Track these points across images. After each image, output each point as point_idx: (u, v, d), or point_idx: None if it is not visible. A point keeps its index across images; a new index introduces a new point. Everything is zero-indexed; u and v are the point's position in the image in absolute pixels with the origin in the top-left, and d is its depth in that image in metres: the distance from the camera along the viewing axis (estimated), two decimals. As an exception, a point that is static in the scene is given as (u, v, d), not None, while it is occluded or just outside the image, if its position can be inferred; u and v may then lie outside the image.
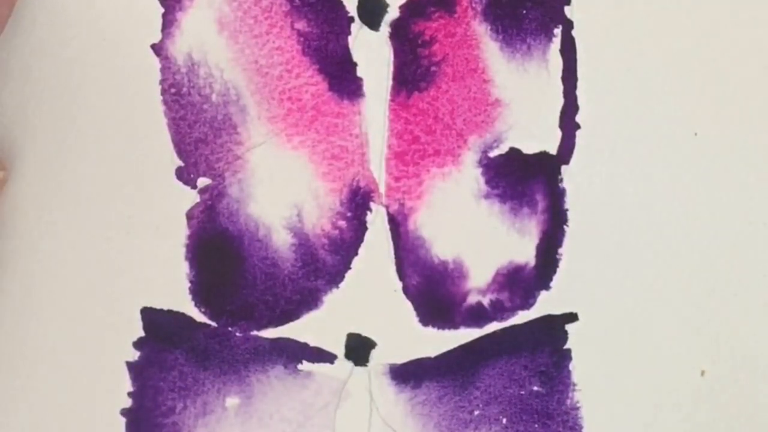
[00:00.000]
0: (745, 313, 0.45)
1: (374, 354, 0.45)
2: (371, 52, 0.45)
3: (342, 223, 0.45)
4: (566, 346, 0.45)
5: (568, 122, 0.44)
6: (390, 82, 0.45)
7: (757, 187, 0.44)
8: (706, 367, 0.45)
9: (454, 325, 0.45)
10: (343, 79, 0.45)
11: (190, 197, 0.45)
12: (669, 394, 0.45)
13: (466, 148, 0.45)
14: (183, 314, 0.46)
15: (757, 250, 0.45)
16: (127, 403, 0.46)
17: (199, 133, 0.45)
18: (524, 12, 0.44)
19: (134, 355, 0.46)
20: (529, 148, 0.44)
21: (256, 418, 0.46)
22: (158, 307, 0.46)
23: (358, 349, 0.45)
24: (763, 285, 0.45)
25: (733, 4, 0.44)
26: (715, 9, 0.44)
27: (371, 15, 0.44)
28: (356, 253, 0.45)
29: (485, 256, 0.45)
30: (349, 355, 0.45)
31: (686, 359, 0.45)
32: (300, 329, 0.46)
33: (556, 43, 0.44)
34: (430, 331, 0.45)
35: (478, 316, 0.45)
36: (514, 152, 0.45)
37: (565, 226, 0.45)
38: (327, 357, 0.46)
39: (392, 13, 0.44)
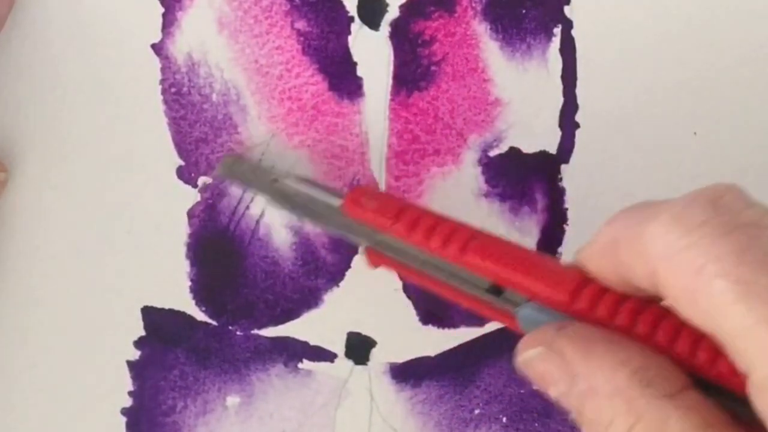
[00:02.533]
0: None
1: (374, 353, 0.46)
2: (371, 51, 0.45)
3: None
4: None
5: (568, 121, 0.44)
6: (390, 82, 0.45)
7: (757, 187, 0.43)
8: None
9: (454, 323, 0.45)
10: (343, 78, 0.45)
11: (191, 196, 0.45)
12: None
13: (465, 147, 0.45)
14: (183, 313, 0.46)
15: None
16: (128, 402, 0.47)
17: (199, 133, 0.45)
18: (524, 11, 0.44)
19: (135, 354, 0.46)
20: (528, 147, 0.44)
21: (257, 417, 0.46)
22: (159, 306, 0.46)
23: (359, 347, 0.46)
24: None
25: (733, 3, 0.44)
26: (715, 8, 0.44)
27: (371, 14, 0.45)
28: (356, 252, 0.45)
29: None
30: (349, 354, 0.46)
31: None
32: (300, 328, 0.46)
33: (556, 42, 0.44)
34: (431, 329, 0.45)
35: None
36: (513, 151, 0.45)
37: (564, 226, 0.45)
38: (327, 356, 0.46)
39: (392, 12, 0.44)
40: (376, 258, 0.41)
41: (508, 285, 0.37)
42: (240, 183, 0.45)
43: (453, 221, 0.39)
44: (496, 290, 0.38)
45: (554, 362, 0.33)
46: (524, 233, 0.45)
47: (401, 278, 0.42)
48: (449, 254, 0.38)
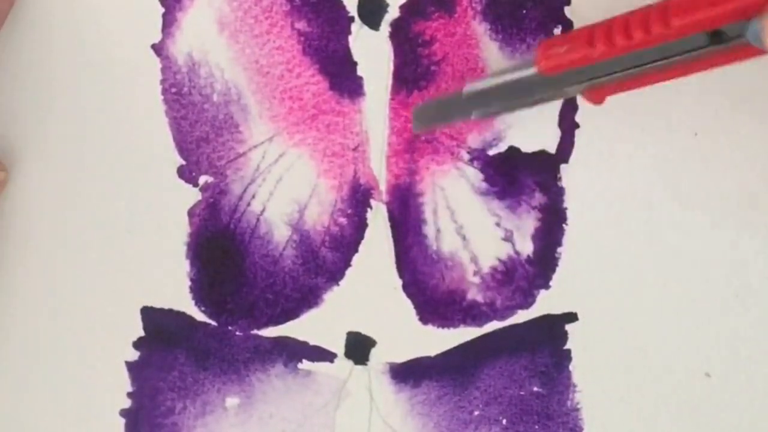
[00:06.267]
0: (746, 313, 0.45)
1: (374, 352, 0.46)
2: (372, 51, 0.45)
3: (342, 220, 0.46)
4: (566, 347, 0.46)
5: (568, 121, 0.45)
6: (390, 81, 0.45)
7: (757, 187, 0.45)
8: (710, 368, 0.45)
9: (453, 323, 0.46)
10: (343, 78, 0.46)
11: (191, 195, 0.46)
12: (671, 396, 0.46)
13: (465, 145, 0.45)
14: (183, 313, 0.47)
15: (757, 250, 0.45)
16: (127, 403, 0.47)
17: (200, 132, 0.46)
18: (524, 12, 0.45)
19: (134, 355, 0.47)
20: (528, 146, 0.45)
21: (256, 417, 0.47)
22: (159, 306, 0.47)
23: (358, 347, 0.46)
24: (764, 285, 0.45)
25: None
26: None
27: (371, 15, 0.45)
28: (356, 251, 0.46)
29: (484, 254, 0.46)
30: (349, 354, 0.47)
31: (689, 360, 0.45)
32: (300, 328, 0.47)
33: None
34: (430, 329, 0.46)
35: (477, 314, 0.46)
36: (513, 151, 0.45)
37: (564, 225, 0.45)
38: (327, 356, 0.47)
39: (392, 12, 0.45)
40: (599, 94, 0.41)
41: (724, 21, 0.37)
42: (442, 122, 0.45)
43: (637, 11, 0.39)
44: (716, 36, 0.38)
45: None
46: (523, 232, 0.46)
47: (630, 89, 0.42)
48: (660, 33, 0.38)
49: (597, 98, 0.42)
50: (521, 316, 0.46)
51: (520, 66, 0.42)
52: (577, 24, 0.45)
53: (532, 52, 0.42)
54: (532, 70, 0.41)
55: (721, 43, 0.38)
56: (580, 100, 0.45)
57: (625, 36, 0.39)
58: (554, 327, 0.46)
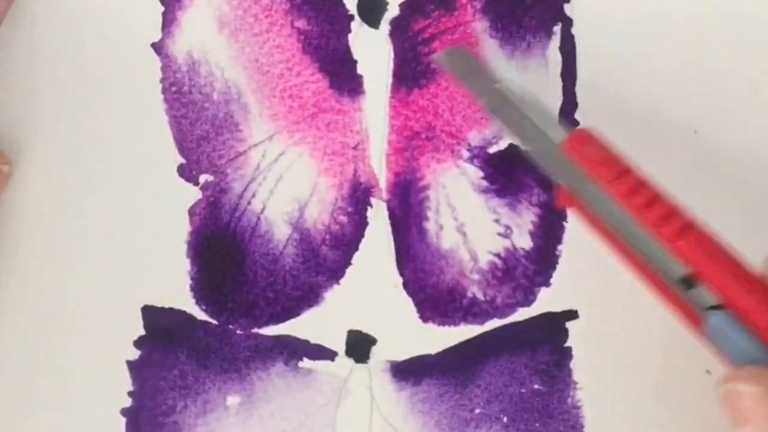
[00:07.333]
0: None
1: (375, 351, 0.47)
2: (371, 49, 0.46)
3: (343, 219, 0.46)
4: (567, 344, 0.46)
5: (567, 119, 0.45)
6: (390, 79, 0.46)
7: (756, 185, 0.45)
8: (710, 366, 0.45)
9: (454, 321, 0.46)
10: (343, 76, 0.46)
11: (192, 194, 0.46)
12: (671, 394, 0.46)
13: (465, 143, 0.46)
14: (184, 312, 0.47)
15: (756, 248, 0.43)
16: (128, 402, 0.47)
17: (200, 131, 0.46)
18: (524, 9, 0.45)
19: (135, 353, 0.47)
20: None
21: (257, 416, 0.47)
22: (159, 305, 0.47)
23: (359, 346, 0.47)
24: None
25: (733, 3, 0.45)
26: (715, 7, 0.45)
27: (371, 13, 0.46)
28: (357, 249, 0.46)
29: (484, 251, 0.46)
30: (349, 352, 0.47)
31: (690, 357, 0.45)
32: (301, 326, 0.47)
33: (556, 40, 0.45)
34: (431, 327, 0.46)
35: (478, 311, 0.46)
36: (512, 148, 0.45)
37: (564, 223, 0.46)
38: (328, 354, 0.47)
39: (392, 11, 0.46)
40: (569, 201, 0.41)
41: (713, 284, 0.37)
42: (459, 75, 0.44)
43: (671, 200, 0.39)
44: (688, 283, 0.38)
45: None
46: (523, 230, 0.46)
47: (589, 230, 0.42)
48: (663, 233, 0.38)
49: (564, 203, 0.42)
50: (522, 314, 0.46)
51: (551, 124, 0.42)
52: (578, 22, 0.45)
53: (568, 129, 0.42)
54: (558, 136, 0.41)
55: (686, 290, 0.38)
56: (581, 98, 0.45)
57: (644, 205, 0.39)
58: (555, 324, 0.46)
